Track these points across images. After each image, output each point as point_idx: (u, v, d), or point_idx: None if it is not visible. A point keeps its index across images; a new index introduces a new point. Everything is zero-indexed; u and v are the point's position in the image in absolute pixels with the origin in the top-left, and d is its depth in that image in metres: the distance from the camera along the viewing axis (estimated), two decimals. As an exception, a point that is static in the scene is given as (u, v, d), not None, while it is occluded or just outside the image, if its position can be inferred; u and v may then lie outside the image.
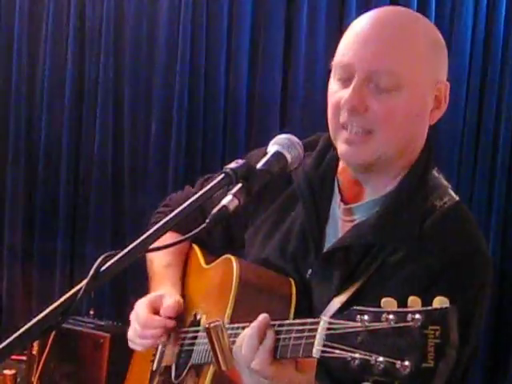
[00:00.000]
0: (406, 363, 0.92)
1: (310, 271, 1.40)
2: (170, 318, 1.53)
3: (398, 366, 0.93)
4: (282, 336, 1.19)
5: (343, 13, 3.25)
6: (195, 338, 1.52)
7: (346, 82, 1.32)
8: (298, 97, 3.35)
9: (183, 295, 1.67)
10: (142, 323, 1.54)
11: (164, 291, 1.61)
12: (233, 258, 1.47)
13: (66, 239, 3.77)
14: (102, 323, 3.39)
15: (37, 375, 3.31)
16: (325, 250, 1.41)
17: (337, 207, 1.44)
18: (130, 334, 1.58)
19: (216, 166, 3.31)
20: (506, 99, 3.16)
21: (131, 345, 1.60)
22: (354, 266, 1.31)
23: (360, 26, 1.36)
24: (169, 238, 1.50)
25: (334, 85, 1.35)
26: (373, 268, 1.25)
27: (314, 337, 1.09)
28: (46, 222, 3.81)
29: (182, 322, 1.61)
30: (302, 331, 1.15)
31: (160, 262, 1.71)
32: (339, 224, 1.43)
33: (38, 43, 3.72)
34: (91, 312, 3.41)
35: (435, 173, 1.42)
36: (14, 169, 3.85)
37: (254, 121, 3.46)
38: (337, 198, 1.44)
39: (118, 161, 3.65)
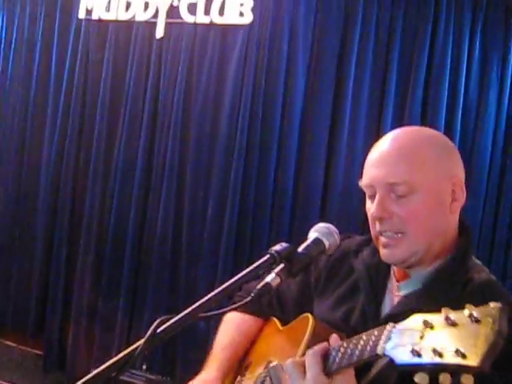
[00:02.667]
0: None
1: None
2: None
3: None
4: (350, 345, 1.31)
5: (381, 119, 3.43)
6: (266, 375, 1.64)
7: (372, 197, 1.49)
8: (337, 192, 3.52)
9: (256, 354, 1.83)
10: None
11: (207, 377, 1.74)
12: (310, 315, 1.60)
13: (127, 301, 3.94)
14: (153, 377, 3.56)
15: None
16: (381, 319, 1.53)
17: (394, 285, 1.56)
18: None
19: (262, 248, 3.47)
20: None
21: None
22: None
23: (377, 148, 1.54)
24: (235, 316, 1.84)
25: (367, 201, 1.53)
26: None
27: (380, 339, 1.20)
28: (111, 285, 3.99)
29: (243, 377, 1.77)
30: (369, 337, 1.26)
31: (220, 342, 1.85)
32: (394, 299, 1.55)
33: (115, 127, 3.99)
34: (144, 366, 3.58)
35: (474, 260, 1.54)
36: (86, 238, 4.07)
37: (298, 210, 3.61)
38: (393, 279, 1.57)
39: (177, 237, 3.83)
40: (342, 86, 3.50)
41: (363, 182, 1.51)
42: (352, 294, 1.61)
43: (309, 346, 1.47)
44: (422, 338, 1.08)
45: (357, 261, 1.65)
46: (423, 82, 3.37)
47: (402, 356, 1.10)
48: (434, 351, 1.04)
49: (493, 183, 3.29)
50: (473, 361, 0.99)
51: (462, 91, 3.32)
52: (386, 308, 1.55)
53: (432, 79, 3.36)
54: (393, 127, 3.10)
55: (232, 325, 1.86)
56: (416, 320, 1.13)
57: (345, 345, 1.32)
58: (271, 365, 1.56)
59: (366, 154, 2.99)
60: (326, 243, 1.42)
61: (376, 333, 1.23)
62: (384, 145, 1.50)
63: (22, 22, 4.30)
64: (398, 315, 1.37)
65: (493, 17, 3.28)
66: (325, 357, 1.35)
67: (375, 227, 1.49)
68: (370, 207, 1.49)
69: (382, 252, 1.49)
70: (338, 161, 3.52)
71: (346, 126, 3.49)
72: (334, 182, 3.55)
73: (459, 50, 3.31)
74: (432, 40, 3.35)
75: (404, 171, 1.44)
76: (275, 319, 1.82)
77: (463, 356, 1.01)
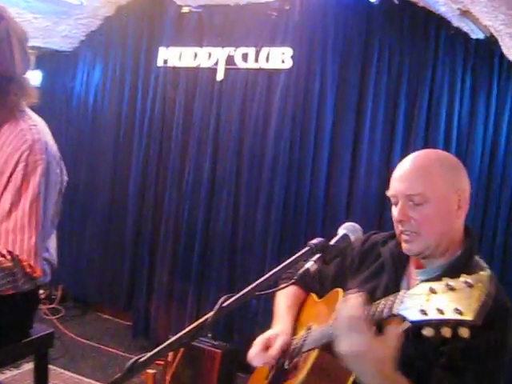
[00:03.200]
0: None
1: None
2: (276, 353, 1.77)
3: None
4: (372, 308, 1.44)
5: (392, 141, 3.68)
6: (307, 337, 1.75)
7: (396, 204, 1.64)
8: (358, 199, 3.77)
9: (299, 320, 1.93)
10: (253, 355, 1.83)
11: (279, 330, 1.86)
12: (340, 289, 1.74)
13: (196, 282, 4.28)
14: (216, 343, 3.75)
15: (169, 375, 3.70)
16: None
17: (412, 271, 1.70)
18: (249, 355, 1.84)
19: (300, 242, 3.79)
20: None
21: (250, 362, 1.85)
22: None
23: (400, 166, 1.68)
24: (291, 289, 1.97)
25: (393, 207, 1.66)
26: None
27: (395, 301, 1.36)
28: (184, 270, 4.31)
29: (295, 336, 1.84)
30: (386, 302, 1.41)
31: (282, 305, 1.97)
32: (411, 282, 1.69)
33: (186, 149, 4.36)
34: (209, 334, 3.77)
35: (477, 258, 1.64)
36: (165, 232, 4.43)
37: (328, 214, 3.88)
38: (411, 266, 1.71)
39: (234, 233, 4.16)
40: (361, 116, 3.75)
41: (389, 193, 1.67)
42: (378, 274, 1.75)
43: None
44: (427, 300, 1.23)
45: (384, 249, 1.79)
46: (425, 112, 3.58)
47: (412, 315, 1.23)
48: (438, 310, 1.18)
49: (481, 191, 3.46)
50: (468, 316, 1.13)
51: (456, 119, 3.54)
52: (405, 287, 1.66)
53: (432, 110, 3.57)
54: (402, 148, 3.51)
55: (288, 294, 2.01)
56: (423, 287, 1.27)
57: (368, 308, 1.45)
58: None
59: (381, 169, 3.36)
60: (352, 237, 1.56)
61: (391, 298, 1.39)
62: (405, 164, 1.66)
63: (114, 70, 4.76)
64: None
65: (480, 62, 3.49)
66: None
67: (398, 227, 1.65)
68: (394, 212, 1.64)
69: (403, 246, 1.64)
70: (358, 175, 3.77)
71: (365, 148, 3.74)
72: (356, 191, 3.79)
73: (453, 87, 3.53)
74: (432, 80, 3.57)
75: (419, 185, 1.59)
76: (313, 294, 1.98)
77: (460, 313, 1.14)
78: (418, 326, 1.21)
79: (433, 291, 1.22)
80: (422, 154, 1.69)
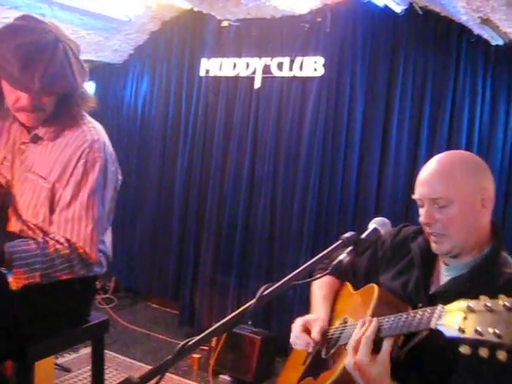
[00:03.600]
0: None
1: (420, 304, 1.63)
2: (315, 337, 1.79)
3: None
4: (409, 318, 1.43)
5: (418, 143, 3.78)
6: (343, 330, 1.77)
7: (421, 207, 1.62)
8: (386, 195, 3.89)
9: (335, 310, 1.93)
10: (295, 335, 1.85)
11: (317, 316, 1.88)
12: (375, 285, 1.74)
13: (237, 273, 4.43)
14: (256, 330, 3.91)
15: (213, 359, 3.87)
16: (430, 292, 1.65)
17: (441, 266, 1.69)
18: (291, 338, 1.88)
19: (333, 236, 3.92)
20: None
21: (292, 344, 1.89)
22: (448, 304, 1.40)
23: (424, 170, 1.65)
24: (326, 279, 1.99)
25: (419, 210, 1.64)
26: None
27: (433, 316, 1.34)
28: (226, 262, 4.47)
29: (331, 326, 1.86)
30: (423, 314, 1.39)
31: (319, 294, 1.99)
32: (441, 277, 1.68)
33: (227, 149, 4.51)
34: (249, 322, 3.96)
35: (504, 254, 1.63)
36: (208, 227, 4.56)
37: (358, 209, 3.99)
38: (440, 261, 1.70)
39: (272, 227, 4.27)
40: (389, 120, 3.86)
41: (415, 196, 1.65)
42: (408, 269, 1.74)
43: (375, 310, 1.62)
44: (465, 319, 1.21)
45: (413, 244, 1.77)
46: (448, 116, 3.67)
47: (450, 332, 1.23)
48: (476, 331, 1.16)
49: (500, 194, 3.46)
50: (507, 341, 1.13)
51: (478, 123, 3.62)
52: (435, 282, 1.67)
53: (455, 114, 3.66)
54: (426, 149, 3.61)
55: (324, 284, 2.03)
56: (461, 304, 1.25)
57: (404, 317, 1.46)
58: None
59: (407, 170, 3.49)
60: (382, 231, 1.60)
61: (429, 311, 1.37)
62: (428, 167, 1.63)
63: (160, 80, 4.97)
64: (445, 292, 1.57)
65: (499, 67, 3.57)
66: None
67: (426, 229, 1.64)
68: (421, 215, 1.63)
69: (433, 245, 1.63)
70: (386, 174, 3.89)
71: (393, 149, 3.85)
72: (384, 190, 3.92)
73: (475, 92, 3.61)
74: (454, 85, 3.65)
75: (442, 189, 1.57)
76: (348, 284, 1.99)
77: (499, 336, 1.13)
78: (454, 342, 1.23)
79: (471, 310, 1.22)
80: (444, 156, 1.66)
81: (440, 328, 1.29)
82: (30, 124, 2.17)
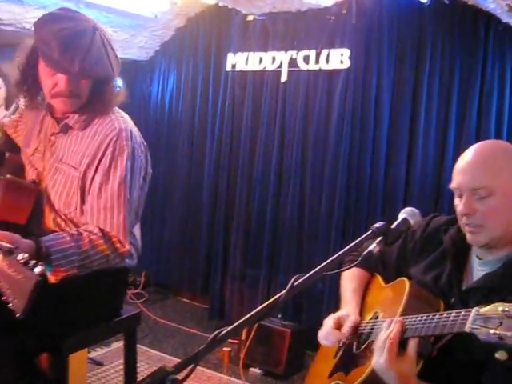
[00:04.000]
0: None
1: (453, 299, 1.63)
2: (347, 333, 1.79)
3: None
4: (442, 319, 1.41)
5: (446, 133, 3.73)
6: (374, 325, 1.77)
7: (459, 197, 1.60)
8: (415, 185, 3.86)
9: (365, 302, 1.93)
10: (326, 332, 1.85)
11: (349, 311, 1.88)
12: (406, 280, 1.74)
13: (266, 267, 4.46)
14: (286, 323, 3.93)
15: (243, 352, 3.92)
16: (463, 288, 1.64)
17: (474, 260, 1.67)
18: (320, 334, 1.87)
19: (362, 227, 3.97)
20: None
21: (320, 341, 1.89)
22: (481, 300, 1.44)
23: (462, 159, 1.62)
24: (355, 271, 1.99)
25: (456, 199, 1.62)
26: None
27: (467, 319, 1.31)
28: (255, 256, 4.51)
29: (362, 320, 1.85)
30: (457, 316, 1.36)
31: (349, 287, 1.99)
32: (473, 271, 1.66)
33: (255, 143, 4.56)
34: (279, 315, 3.98)
35: None
36: (237, 221, 4.61)
37: (387, 199, 3.97)
38: (473, 254, 1.68)
39: (301, 220, 4.29)
40: (416, 110, 3.83)
41: (452, 186, 1.61)
42: (440, 262, 1.72)
43: (407, 306, 1.62)
44: (501, 323, 1.20)
45: (446, 236, 1.75)
46: (477, 105, 3.62)
47: (485, 336, 1.22)
48: None
49: None
50: None
51: (507, 110, 3.58)
52: (467, 277, 1.66)
53: (483, 103, 3.62)
54: (455, 139, 3.54)
55: (353, 276, 2.03)
56: (496, 308, 1.24)
57: (437, 317, 1.45)
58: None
59: (436, 159, 3.43)
60: (411, 221, 1.59)
61: (463, 313, 1.35)
62: (468, 156, 1.60)
63: (187, 76, 5.01)
64: (478, 289, 1.56)
65: None
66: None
67: (462, 219, 1.61)
68: (458, 204, 1.60)
69: (468, 237, 1.61)
70: (415, 164, 3.87)
71: (421, 139, 3.83)
72: (412, 178, 3.89)
73: (503, 80, 3.58)
74: (482, 74, 3.62)
75: (483, 178, 1.54)
76: (378, 276, 1.99)
77: None
78: (488, 347, 1.22)
79: (508, 315, 1.21)
80: (483, 145, 1.64)
81: (475, 332, 1.28)
82: (65, 110, 2.21)
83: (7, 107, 4.14)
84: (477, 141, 1.72)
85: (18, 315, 1.58)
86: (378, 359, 1.49)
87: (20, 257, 1.64)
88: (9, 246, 1.76)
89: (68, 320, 2.12)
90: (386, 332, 1.51)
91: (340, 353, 1.88)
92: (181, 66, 5.08)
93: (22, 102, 3.88)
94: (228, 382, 3.78)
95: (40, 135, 2.31)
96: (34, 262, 1.63)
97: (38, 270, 1.57)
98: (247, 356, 3.92)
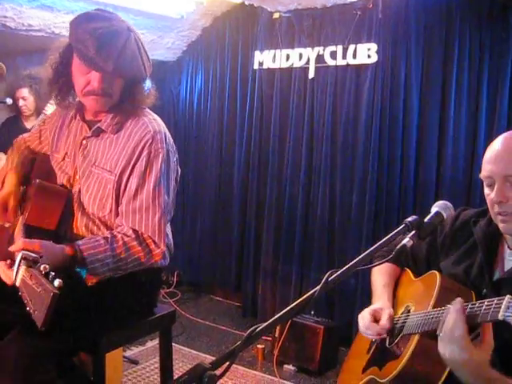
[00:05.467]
0: None
1: (484, 290, 1.63)
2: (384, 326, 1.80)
3: None
4: (475, 308, 1.40)
5: (476, 127, 3.72)
6: (406, 319, 1.76)
7: (491, 186, 1.59)
8: (446, 179, 3.86)
9: (396, 297, 1.93)
10: (366, 326, 1.84)
11: (382, 305, 1.88)
12: (437, 272, 1.74)
13: (298, 264, 4.46)
14: (319, 319, 3.94)
15: (277, 349, 3.93)
16: (494, 278, 1.64)
17: (505, 250, 1.66)
18: (360, 328, 1.87)
19: (393, 222, 3.94)
20: None
21: (362, 333, 1.88)
22: None
23: (492, 148, 1.61)
24: (385, 266, 2.00)
25: (486, 189, 1.63)
26: None
27: (500, 307, 1.31)
28: (286, 253, 4.53)
29: (395, 313, 1.86)
30: (490, 304, 1.36)
31: (380, 282, 2.00)
32: (505, 262, 1.64)
33: (285, 140, 4.57)
34: (312, 312, 3.98)
35: None
36: (268, 219, 4.62)
37: (418, 194, 3.96)
38: (505, 245, 1.67)
39: (332, 217, 4.29)
40: (446, 102, 3.82)
41: (483, 175, 1.62)
42: (471, 254, 1.72)
43: (438, 298, 1.63)
44: None
45: (475, 228, 1.75)
46: (507, 95, 3.58)
47: None
48: None
49: None
50: None
51: None
52: (499, 267, 1.66)
53: None
54: (486, 131, 3.55)
55: (384, 271, 2.04)
56: None
57: (469, 306, 1.43)
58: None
59: (467, 151, 3.43)
60: (444, 215, 1.59)
61: (496, 301, 1.35)
62: (497, 145, 1.60)
63: (215, 75, 5.07)
64: (510, 279, 1.57)
65: None
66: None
67: (494, 208, 1.60)
68: (490, 193, 1.60)
69: (501, 225, 1.60)
70: (446, 158, 3.85)
71: (451, 132, 3.82)
72: (443, 172, 3.88)
73: None
74: None
75: None
76: (408, 270, 2.00)
77: None
78: None
79: None
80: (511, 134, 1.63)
81: (508, 320, 1.28)
82: (96, 109, 2.21)
83: (37, 116, 4.24)
84: (508, 134, 1.73)
85: (39, 327, 1.58)
86: (452, 348, 1.41)
87: (42, 267, 1.63)
88: (33, 255, 1.75)
89: (104, 320, 2.14)
90: (451, 320, 1.44)
91: (373, 348, 1.89)
92: (208, 65, 5.12)
93: (48, 107, 3.95)
94: (262, 378, 3.79)
95: (68, 140, 2.32)
96: (53, 274, 1.61)
97: (56, 283, 1.56)
98: (281, 353, 3.94)
